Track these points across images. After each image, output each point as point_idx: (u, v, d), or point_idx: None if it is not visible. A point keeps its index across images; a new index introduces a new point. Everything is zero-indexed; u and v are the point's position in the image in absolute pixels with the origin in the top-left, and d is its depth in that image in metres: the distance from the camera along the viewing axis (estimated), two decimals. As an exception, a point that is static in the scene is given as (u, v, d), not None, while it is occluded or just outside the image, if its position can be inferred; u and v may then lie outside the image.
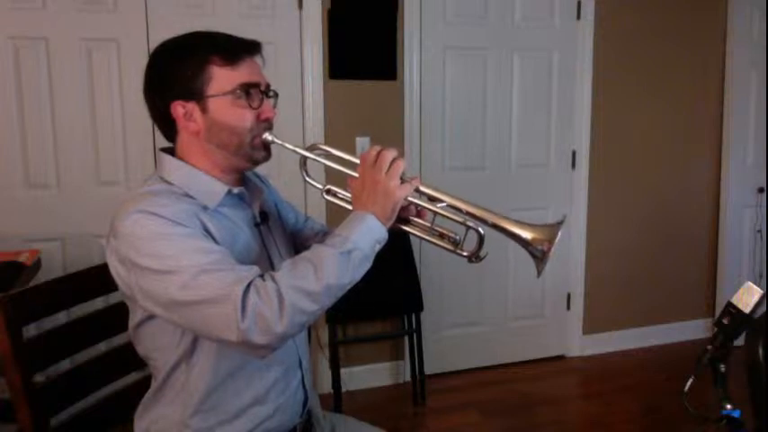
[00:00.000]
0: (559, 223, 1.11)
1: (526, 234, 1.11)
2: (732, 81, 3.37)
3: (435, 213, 1.16)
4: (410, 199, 1.12)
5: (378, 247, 1.08)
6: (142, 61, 2.61)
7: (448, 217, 1.15)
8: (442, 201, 1.14)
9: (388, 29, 2.78)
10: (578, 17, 3.11)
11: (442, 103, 2.96)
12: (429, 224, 1.20)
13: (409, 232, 1.20)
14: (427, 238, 1.19)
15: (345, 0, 2.69)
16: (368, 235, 1.05)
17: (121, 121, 2.52)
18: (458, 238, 1.19)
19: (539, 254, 1.10)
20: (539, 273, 1.11)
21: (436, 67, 2.92)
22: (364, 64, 2.77)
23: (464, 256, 1.18)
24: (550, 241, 1.09)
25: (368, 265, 1.06)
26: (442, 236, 1.20)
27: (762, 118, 3.41)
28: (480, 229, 1.14)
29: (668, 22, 3.27)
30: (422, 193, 1.14)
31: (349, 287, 1.04)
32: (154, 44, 2.45)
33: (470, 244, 1.18)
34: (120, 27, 2.47)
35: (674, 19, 3.27)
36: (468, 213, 1.13)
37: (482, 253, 1.17)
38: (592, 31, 3.12)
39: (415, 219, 1.20)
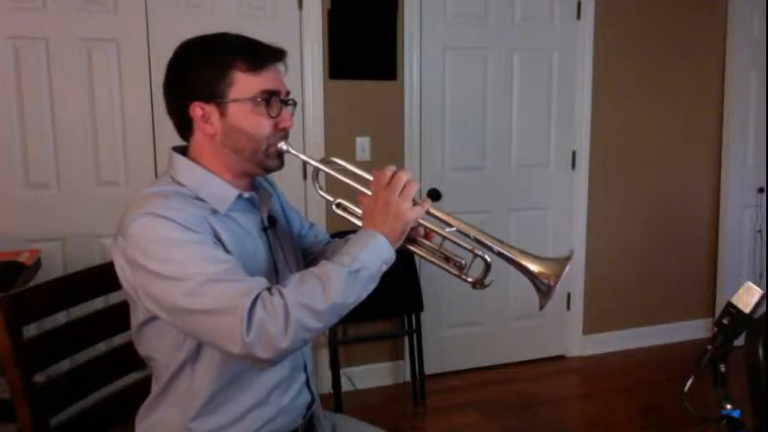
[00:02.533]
0: (567, 258, 1.09)
1: (533, 267, 1.09)
2: (732, 81, 3.37)
3: (443, 237, 1.15)
4: (419, 220, 1.12)
5: (384, 268, 1.08)
6: (142, 61, 2.64)
7: (455, 242, 1.14)
8: (450, 225, 1.13)
9: (388, 29, 2.78)
10: (578, 17, 3.11)
11: (442, 103, 2.96)
12: (436, 247, 1.20)
13: (415, 252, 1.20)
14: (433, 260, 1.19)
15: (345, 0, 2.69)
16: (376, 255, 1.05)
17: (121, 121, 2.52)
18: (463, 262, 1.18)
19: (544, 288, 1.09)
20: (541, 306, 1.09)
21: (436, 67, 2.92)
22: (364, 64, 2.77)
23: (468, 282, 1.17)
24: (557, 276, 1.07)
25: (373, 285, 1.06)
26: (447, 259, 1.19)
27: (762, 118, 3.41)
28: (487, 257, 1.12)
29: (668, 22, 3.27)
30: (432, 216, 1.13)
31: (353, 306, 1.04)
32: (154, 44, 2.49)
33: (475, 270, 1.16)
34: (120, 27, 2.47)
35: (674, 19, 3.27)
36: (475, 240, 1.12)
37: (487, 281, 1.15)
38: (592, 31, 3.12)
39: (423, 240, 1.20)
